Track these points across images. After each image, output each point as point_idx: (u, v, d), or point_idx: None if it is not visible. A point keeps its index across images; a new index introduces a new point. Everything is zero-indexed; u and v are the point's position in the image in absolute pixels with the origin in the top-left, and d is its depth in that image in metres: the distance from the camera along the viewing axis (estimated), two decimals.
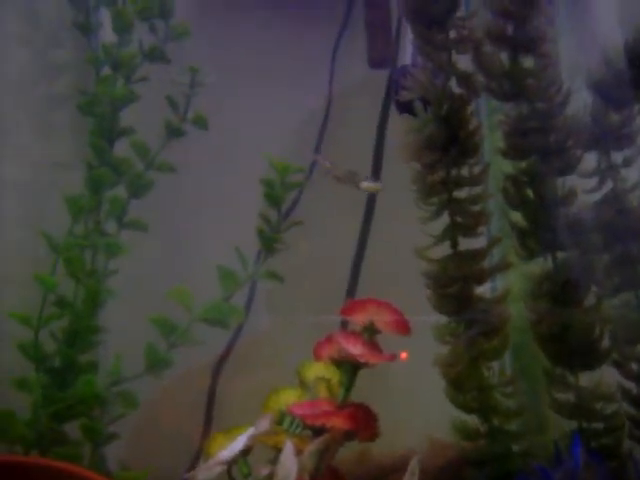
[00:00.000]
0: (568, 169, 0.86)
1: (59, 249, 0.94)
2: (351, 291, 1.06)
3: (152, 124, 1.03)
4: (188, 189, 1.08)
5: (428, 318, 0.87)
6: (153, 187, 1.02)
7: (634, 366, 0.83)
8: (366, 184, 0.92)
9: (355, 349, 0.76)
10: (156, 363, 0.95)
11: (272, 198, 0.99)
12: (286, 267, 1.02)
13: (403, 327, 0.77)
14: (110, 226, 1.00)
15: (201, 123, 1.03)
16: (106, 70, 1.02)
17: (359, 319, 0.78)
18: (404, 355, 0.80)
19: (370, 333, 0.77)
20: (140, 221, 1.01)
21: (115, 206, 0.99)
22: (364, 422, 0.75)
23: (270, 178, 0.98)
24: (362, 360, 0.75)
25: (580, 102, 0.87)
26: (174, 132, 1.03)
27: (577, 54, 0.95)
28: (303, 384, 0.79)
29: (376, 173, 1.07)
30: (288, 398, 0.78)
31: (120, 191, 1.01)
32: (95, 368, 0.96)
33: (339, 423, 0.72)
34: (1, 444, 0.90)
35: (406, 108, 0.88)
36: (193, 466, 0.92)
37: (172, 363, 0.95)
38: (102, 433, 0.94)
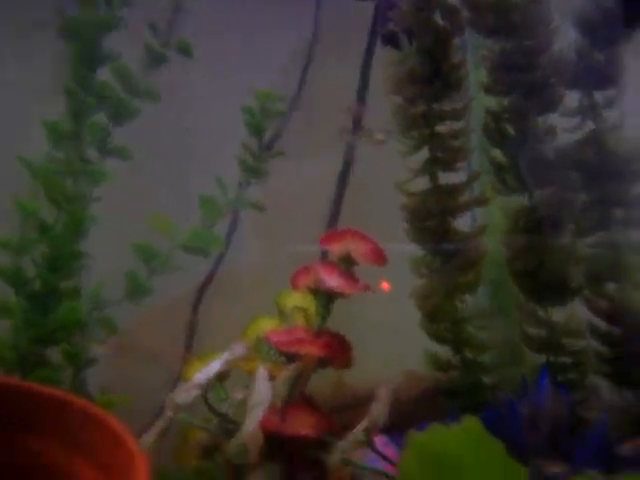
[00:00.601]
0: (550, 107, 0.85)
1: (38, 174, 0.94)
2: (332, 222, 1.07)
3: (136, 53, 1.02)
4: (174, 120, 1.07)
5: (407, 246, 0.88)
6: (137, 115, 1.01)
7: (603, 304, 0.84)
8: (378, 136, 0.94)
9: (331, 279, 0.77)
10: (137, 290, 0.96)
11: (252, 126, 0.98)
12: (269, 198, 1.02)
13: (379, 257, 0.78)
14: (94, 154, 1.00)
15: (185, 49, 1.00)
16: None
17: (336, 249, 0.79)
18: (386, 285, 0.81)
19: (347, 264, 0.79)
20: (124, 148, 0.99)
21: (97, 132, 0.98)
22: (338, 350, 0.76)
23: (251, 106, 0.98)
24: (337, 290, 0.77)
25: (566, 40, 0.86)
26: (156, 58, 1.01)
27: None
28: (281, 313, 0.81)
29: (360, 106, 1.07)
30: (267, 326, 0.79)
31: (103, 118, 1.00)
32: (78, 294, 0.97)
33: (313, 350, 0.74)
34: None
35: (390, 40, 0.88)
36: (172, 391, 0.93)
37: (152, 290, 0.97)
38: (82, 358, 0.95)
